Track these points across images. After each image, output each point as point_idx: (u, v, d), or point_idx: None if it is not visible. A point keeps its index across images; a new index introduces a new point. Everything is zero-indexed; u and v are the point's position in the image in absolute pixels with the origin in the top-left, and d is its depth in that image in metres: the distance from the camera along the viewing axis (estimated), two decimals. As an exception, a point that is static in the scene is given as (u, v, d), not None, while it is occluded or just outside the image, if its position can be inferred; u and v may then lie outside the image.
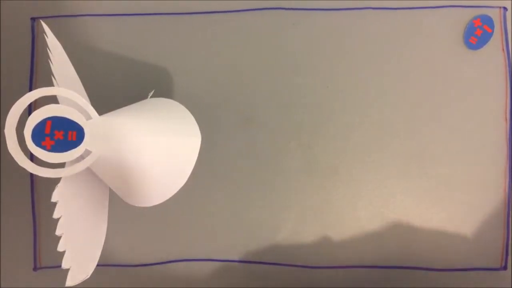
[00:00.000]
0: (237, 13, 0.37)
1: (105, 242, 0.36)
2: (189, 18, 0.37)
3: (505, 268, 0.36)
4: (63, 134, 0.26)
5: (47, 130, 0.26)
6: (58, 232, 0.31)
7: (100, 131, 0.27)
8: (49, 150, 0.26)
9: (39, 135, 0.26)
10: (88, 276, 0.31)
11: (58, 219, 0.31)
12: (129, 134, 0.29)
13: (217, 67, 0.37)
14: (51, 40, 0.32)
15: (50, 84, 0.31)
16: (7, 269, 0.36)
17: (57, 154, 0.26)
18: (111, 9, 0.38)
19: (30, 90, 0.37)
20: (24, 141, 0.26)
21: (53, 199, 0.31)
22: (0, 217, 0.37)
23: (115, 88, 0.34)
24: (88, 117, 0.27)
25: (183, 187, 0.36)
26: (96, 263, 0.31)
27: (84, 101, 0.27)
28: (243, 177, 0.36)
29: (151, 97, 0.35)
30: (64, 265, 0.31)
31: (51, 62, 0.32)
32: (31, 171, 0.26)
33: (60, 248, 0.31)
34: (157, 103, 0.34)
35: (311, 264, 0.36)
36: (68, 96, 0.27)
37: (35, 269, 0.36)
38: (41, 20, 0.32)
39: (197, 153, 0.32)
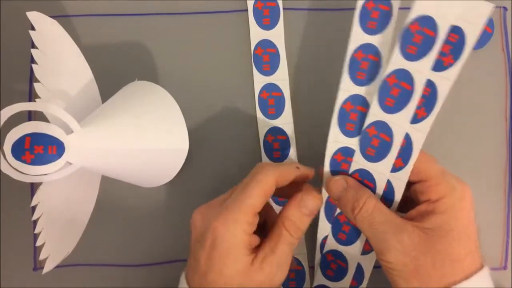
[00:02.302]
0: (236, 13, 0.37)
1: (104, 243, 0.37)
2: (189, 17, 0.38)
3: (505, 268, 0.36)
4: (43, 148, 0.26)
5: (27, 145, 0.26)
6: (37, 230, 0.31)
7: (81, 144, 0.27)
8: (29, 164, 0.26)
9: (18, 150, 0.26)
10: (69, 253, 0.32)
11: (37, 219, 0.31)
12: (111, 146, 0.28)
13: (218, 67, 0.37)
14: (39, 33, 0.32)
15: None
16: (7, 269, 0.36)
17: (37, 167, 0.26)
18: (111, 9, 0.38)
19: (30, 90, 0.37)
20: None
21: (33, 204, 0.31)
22: (0, 217, 0.37)
23: (114, 87, 0.34)
24: (70, 129, 0.27)
25: (181, 187, 0.36)
26: (75, 243, 0.32)
27: (65, 115, 0.27)
28: (240, 175, 0.36)
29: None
30: (43, 255, 0.31)
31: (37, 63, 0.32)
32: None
33: (39, 242, 0.31)
34: (147, 99, 0.33)
35: (310, 264, 0.36)
36: (48, 111, 0.27)
37: (35, 269, 0.36)
38: (27, 13, 0.32)
39: (183, 161, 0.32)
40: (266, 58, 0.36)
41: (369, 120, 0.29)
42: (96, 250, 0.36)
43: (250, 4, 0.37)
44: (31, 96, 0.37)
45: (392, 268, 0.27)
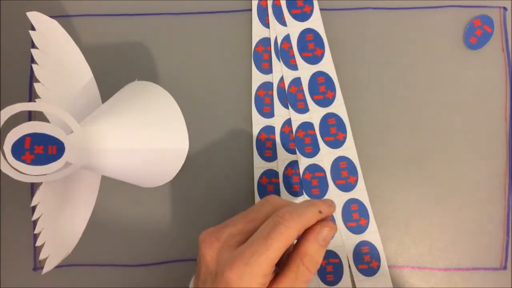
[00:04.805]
0: (236, 13, 0.37)
1: (104, 243, 0.37)
2: (189, 17, 0.38)
3: (505, 268, 0.35)
4: (43, 148, 0.26)
5: (27, 145, 0.26)
6: (37, 230, 0.31)
7: (81, 144, 0.27)
8: (29, 164, 0.26)
9: (18, 150, 0.26)
10: (69, 253, 0.32)
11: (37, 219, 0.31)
12: (111, 146, 0.28)
13: (218, 67, 0.37)
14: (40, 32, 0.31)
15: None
16: (7, 269, 0.36)
17: (38, 167, 0.26)
18: (111, 9, 0.38)
19: (30, 90, 0.37)
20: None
21: (33, 204, 0.31)
22: (0, 217, 0.37)
23: (114, 87, 0.34)
24: (70, 129, 0.27)
25: (180, 187, 0.36)
26: (74, 244, 0.32)
27: (65, 115, 0.27)
28: (240, 173, 0.36)
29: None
30: (42, 255, 0.31)
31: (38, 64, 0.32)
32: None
33: (38, 242, 0.31)
34: (147, 99, 0.33)
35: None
36: (48, 111, 0.27)
37: (35, 269, 0.36)
38: (27, 13, 0.32)
39: (183, 161, 0.32)
40: (266, 56, 0.36)
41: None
42: (96, 250, 0.36)
43: (255, 3, 0.37)
44: (31, 96, 0.37)
45: None
